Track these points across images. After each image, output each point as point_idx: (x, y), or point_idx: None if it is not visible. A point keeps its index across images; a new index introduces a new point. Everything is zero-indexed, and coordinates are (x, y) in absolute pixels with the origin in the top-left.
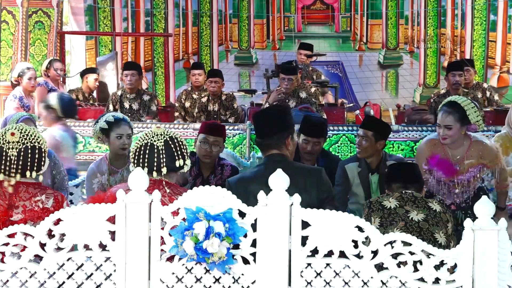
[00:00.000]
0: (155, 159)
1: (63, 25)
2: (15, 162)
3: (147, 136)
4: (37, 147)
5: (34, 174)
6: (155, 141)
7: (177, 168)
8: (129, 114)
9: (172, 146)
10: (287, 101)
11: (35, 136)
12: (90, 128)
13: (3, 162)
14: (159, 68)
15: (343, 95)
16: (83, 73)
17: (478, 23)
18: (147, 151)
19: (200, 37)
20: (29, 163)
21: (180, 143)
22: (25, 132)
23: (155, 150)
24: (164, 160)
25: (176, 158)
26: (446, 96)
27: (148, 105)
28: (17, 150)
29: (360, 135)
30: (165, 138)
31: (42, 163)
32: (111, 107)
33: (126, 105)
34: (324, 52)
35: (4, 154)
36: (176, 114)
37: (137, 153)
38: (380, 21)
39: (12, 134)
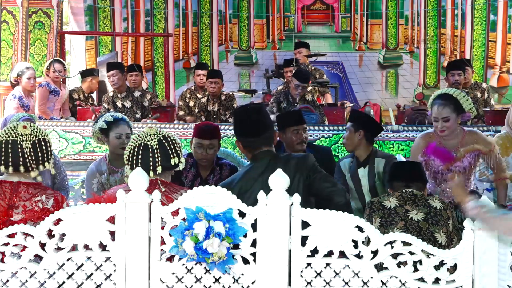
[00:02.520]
0: (150, 159)
1: (63, 25)
2: (32, 154)
3: (140, 137)
4: (47, 140)
5: (47, 165)
6: (148, 141)
7: (172, 166)
8: (123, 113)
9: (166, 144)
10: (295, 104)
11: (41, 130)
12: (90, 128)
13: (20, 155)
14: (159, 68)
15: (343, 95)
16: (86, 74)
17: (478, 23)
18: (140, 152)
19: (200, 37)
20: (41, 156)
21: (174, 141)
22: (32, 126)
23: (149, 150)
24: (159, 159)
25: (171, 156)
26: None
27: (141, 101)
28: (31, 142)
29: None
30: (158, 138)
31: (50, 156)
32: (105, 106)
33: (119, 104)
34: (324, 52)
35: (19, 147)
36: (181, 113)
37: (131, 154)
38: (380, 21)
39: (24, 127)
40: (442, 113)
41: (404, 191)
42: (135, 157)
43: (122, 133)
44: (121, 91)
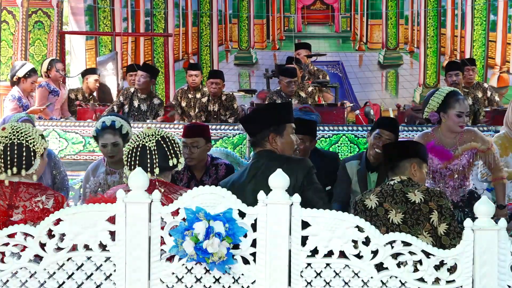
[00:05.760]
0: (148, 160)
1: (63, 25)
2: (1, 157)
3: (139, 137)
4: (24, 145)
5: (23, 172)
6: (146, 142)
7: (171, 167)
8: (136, 114)
9: (164, 145)
10: (290, 100)
11: (26, 134)
12: (90, 128)
13: None
14: (159, 68)
15: (343, 95)
16: (84, 74)
17: (478, 23)
18: (138, 153)
19: (200, 37)
20: (15, 160)
21: (172, 142)
22: (16, 129)
23: (147, 151)
24: (157, 160)
25: (169, 157)
26: None
27: (157, 109)
28: (3, 144)
29: (383, 137)
30: (156, 138)
31: (32, 162)
32: (121, 98)
33: (135, 103)
34: (324, 52)
35: None
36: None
37: (129, 155)
38: (380, 21)
39: (3, 128)
40: (467, 107)
41: (386, 183)
42: (133, 158)
43: (107, 142)
44: (144, 92)
